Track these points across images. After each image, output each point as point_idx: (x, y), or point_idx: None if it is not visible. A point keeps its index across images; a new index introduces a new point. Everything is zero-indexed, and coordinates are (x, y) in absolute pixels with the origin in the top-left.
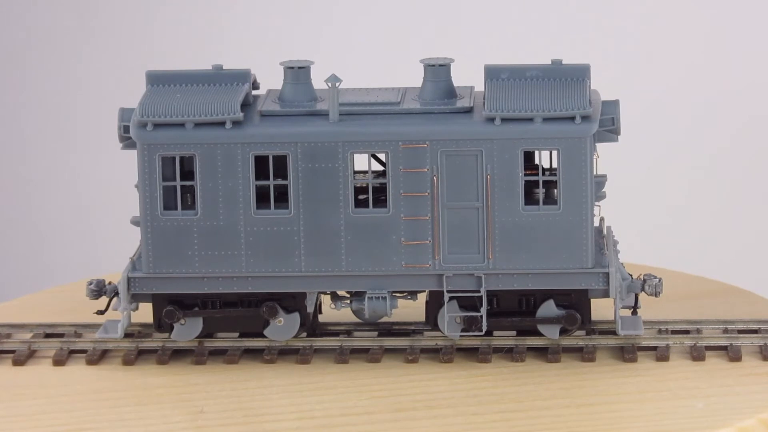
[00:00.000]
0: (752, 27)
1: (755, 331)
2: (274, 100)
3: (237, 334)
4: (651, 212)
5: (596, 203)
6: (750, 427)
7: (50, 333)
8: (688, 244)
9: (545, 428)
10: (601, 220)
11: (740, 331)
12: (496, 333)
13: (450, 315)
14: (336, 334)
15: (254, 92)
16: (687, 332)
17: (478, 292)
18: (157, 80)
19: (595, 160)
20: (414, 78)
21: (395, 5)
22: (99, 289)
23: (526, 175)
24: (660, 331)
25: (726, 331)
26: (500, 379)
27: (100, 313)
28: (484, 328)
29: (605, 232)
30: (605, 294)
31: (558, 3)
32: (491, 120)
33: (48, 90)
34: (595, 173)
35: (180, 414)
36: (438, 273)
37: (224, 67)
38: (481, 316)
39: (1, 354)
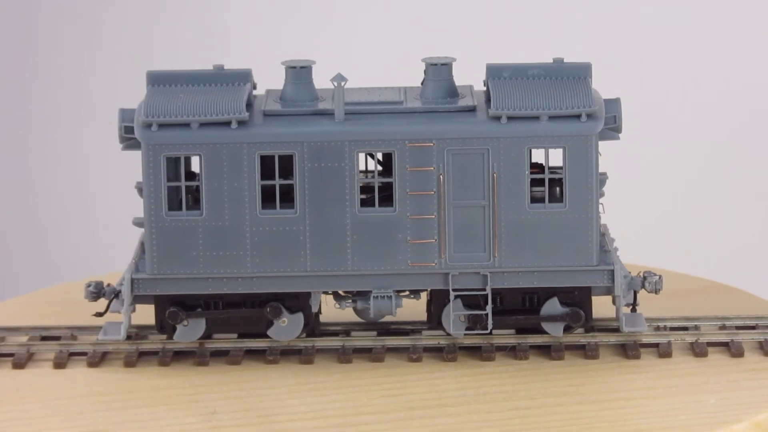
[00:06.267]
0: (749, 26)
1: (753, 327)
2: (275, 99)
3: (233, 335)
4: (644, 211)
5: (600, 202)
6: (764, 422)
7: (46, 336)
8: (680, 243)
9: (561, 425)
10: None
11: (738, 328)
12: (496, 331)
13: (455, 314)
14: (335, 334)
15: (254, 92)
16: (685, 329)
17: (484, 290)
18: (158, 80)
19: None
20: (410, 77)
21: (394, 4)
22: (98, 291)
23: (531, 173)
24: (658, 328)
25: (724, 327)
26: (507, 376)
27: (100, 315)
28: (490, 327)
29: (603, 230)
30: (608, 291)
31: (555, 2)
32: (497, 118)
33: (48, 90)
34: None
35: (192, 415)
36: (444, 271)
37: (225, 67)
38: (487, 315)
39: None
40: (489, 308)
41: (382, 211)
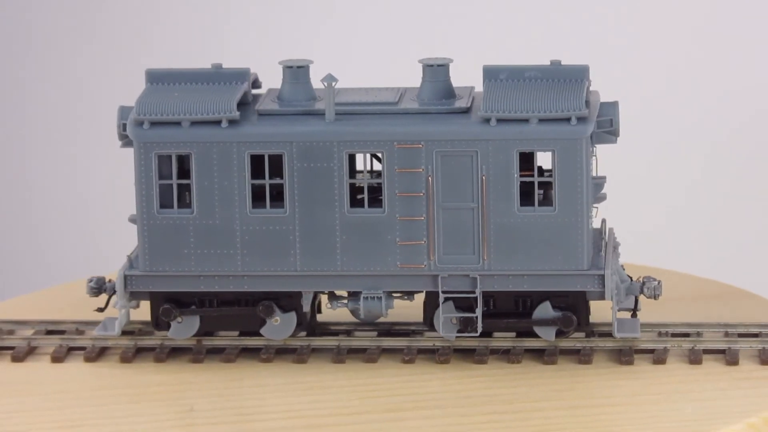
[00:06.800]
0: (750, 27)
1: (756, 335)
2: (273, 99)
3: (235, 333)
4: (659, 212)
5: (594, 205)
6: None
7: (52, 330)
8: (698, 244)
9: (532, 430)
10: (603, 221)
11: (741, 335)
12: (495, 334)
13: (445, 316)
14: (336, 333)
15: (256, 91)
16: (687, 335)
17: (474, 293)
18: (157, 78)
19: (593, 162)
20: (415, 77)
21: (398, 3)
22: (99, 287)
23: (521, 176)
24: (660, 334)
25: (727, 334)
26: (494, 380)
27: (100, 310)
28: (480, 330)
29: (606, 233)
30: (602, 296)
31: (559, 2)
32: (487, 121)
33: (48, 89)
34: (594, 175)
35: (170, 412)
36: (433, 273)
37: (224, 66)
38: (477, 317)
39: (1, 350)
40: (479, 311)
41: (372, 212)
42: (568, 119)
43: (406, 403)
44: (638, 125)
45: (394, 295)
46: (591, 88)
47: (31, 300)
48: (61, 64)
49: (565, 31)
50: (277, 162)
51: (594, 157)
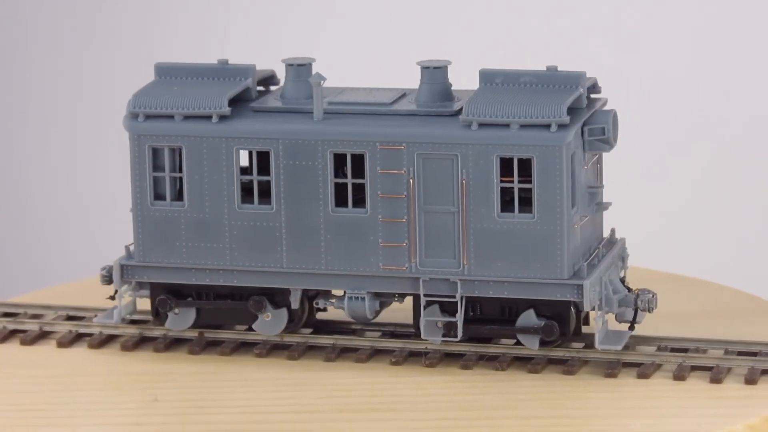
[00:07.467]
0: (750, 28)
1: (755, 354)
2: (276, 97)
3: (243, 327)
4: (660, 213)
5: (583, 214)
6: None
7: (73, 315)
8: (700, 245)
9: None
10: (612, 230)
11: (740, 353)
12: (504, 340)
13: (427, 319)
14: (342, 332)
15: (274, 88)
16: (686, 350)
17: (454, 297)
18: (165, 72)
19: (593, 170)
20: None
21: (401, 4)
22: (110, 275)
23: (502, 181)
24: (660, 348)
25: (727, 351)
26: (468, 386)
27: (111, 298)
28: (460, 335)
29: (615, 243)
30: (582, 306)
31: (566, 5)
32: (468, 125)
33: (48, 88)
34: (597, 183)
35: (136, 401)
36: (414, 276)
37: (230, 62)
38: (457, 322)
39: (15, 333)
40: (459, 316)
41: (355, 212)
42: (549, 126)
43: (364, 405)
44: (639, 126)
45: (397, 296)
46: (600, 95)
47: (65, 289)
48: (61, 64)
49: (569, 33)
50: (264, 159)
51: (586, 167)
